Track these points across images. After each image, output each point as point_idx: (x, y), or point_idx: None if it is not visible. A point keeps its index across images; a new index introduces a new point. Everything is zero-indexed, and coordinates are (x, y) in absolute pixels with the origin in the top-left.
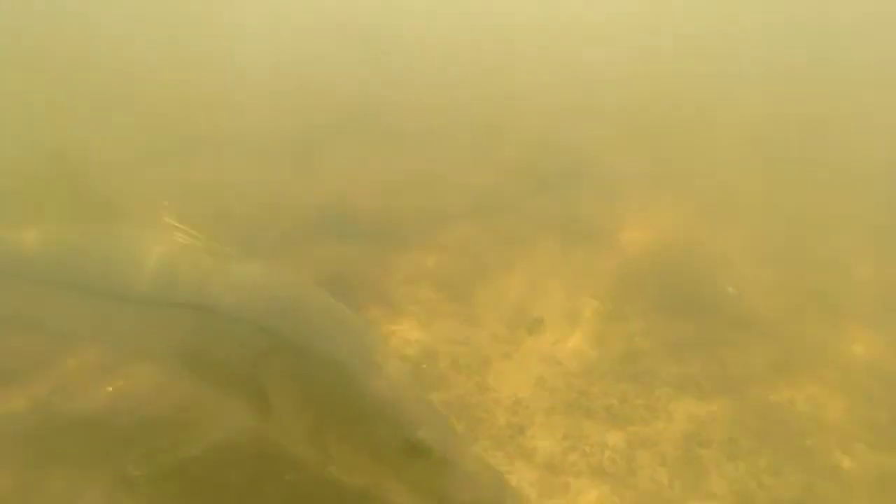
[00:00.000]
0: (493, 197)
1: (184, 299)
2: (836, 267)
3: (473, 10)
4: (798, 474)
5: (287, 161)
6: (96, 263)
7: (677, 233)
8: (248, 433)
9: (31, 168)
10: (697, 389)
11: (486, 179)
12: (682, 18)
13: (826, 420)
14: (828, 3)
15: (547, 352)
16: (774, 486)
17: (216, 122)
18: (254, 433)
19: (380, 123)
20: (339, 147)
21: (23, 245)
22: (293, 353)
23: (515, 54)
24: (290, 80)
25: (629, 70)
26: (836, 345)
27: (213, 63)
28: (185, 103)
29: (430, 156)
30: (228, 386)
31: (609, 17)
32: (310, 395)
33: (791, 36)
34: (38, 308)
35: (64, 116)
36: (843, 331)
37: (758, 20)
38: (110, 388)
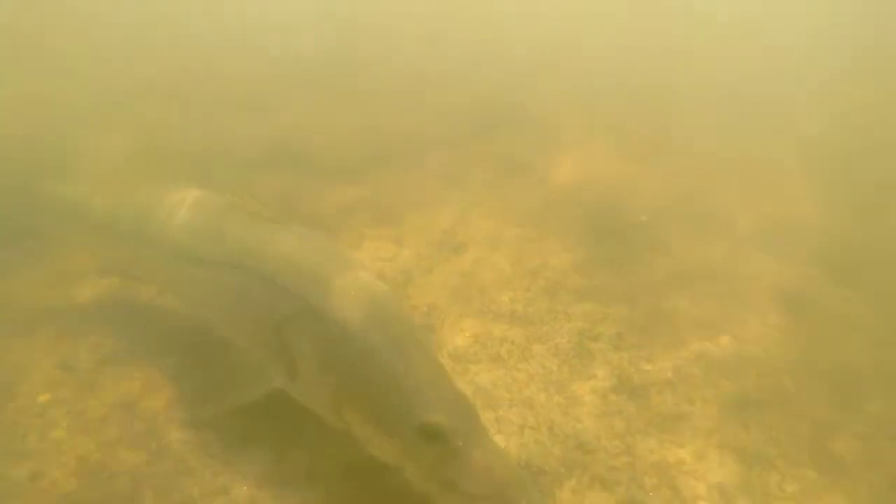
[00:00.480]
0: (434, 140)
1: (221, 258)
2: (729, 200)
3: None
4: (671, 361)
5: (248, 108)
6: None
7: (601, 171)
8: (276, 392)
9: None
10: (597, 297)
11: (430, 125)
12: None
13: (704, 319)
14: None
15: (466, 268)
16: (650, 370)
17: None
18: (281, 393)
19: (337, 80)
20: (295, 98)
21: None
22: (319, 320)
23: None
24: (261, 39)
25: (597, 34)
26: (725, 263)
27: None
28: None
29: (382, 107)
30: (260, 345)
31: None
32: (332, 363)
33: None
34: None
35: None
36: (734, 252)
37: None
38: None
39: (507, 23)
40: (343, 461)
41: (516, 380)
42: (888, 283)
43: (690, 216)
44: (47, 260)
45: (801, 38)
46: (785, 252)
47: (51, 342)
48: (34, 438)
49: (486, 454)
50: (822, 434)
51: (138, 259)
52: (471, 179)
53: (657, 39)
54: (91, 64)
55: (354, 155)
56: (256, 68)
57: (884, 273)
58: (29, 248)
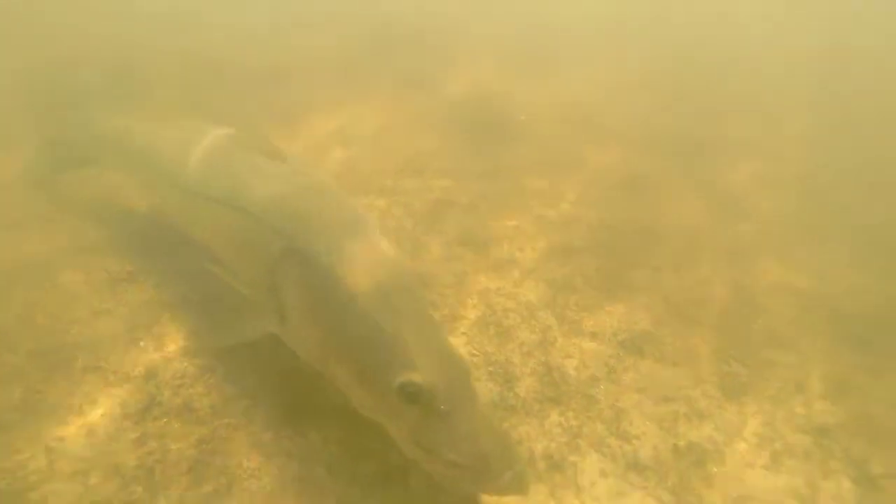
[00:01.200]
0: (339, 59)
1: (222, 195)
2: (601, 106)
3: None
4: (514, 221)
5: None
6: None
7: (492, 85)
8: (266, 334)
9: None
10: (463, 175)
11: (338, 49)
12: None
13: (555, 192)
14: None
15: (347, 159)
16: (493, 227)
17: None
18: (271, 336)
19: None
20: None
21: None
22: (307, 264)
23: None
24: None
25: None
26: (585, 155)
27: None
28: None
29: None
30: (256, 286)
31: None
32: (317, 312)
33: None
34: None
35: None
36: (595, 147)
37: None
38: None
39: None
40: (329, 408)
41: None
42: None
43: (563, 118)
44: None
45: None
46: (617, 144)
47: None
48: None
49: (471, 420)
50: (623, 270)
51: (162, 191)
52: (370, 89)
53: None
54: None
55: (270, 69)
56: None
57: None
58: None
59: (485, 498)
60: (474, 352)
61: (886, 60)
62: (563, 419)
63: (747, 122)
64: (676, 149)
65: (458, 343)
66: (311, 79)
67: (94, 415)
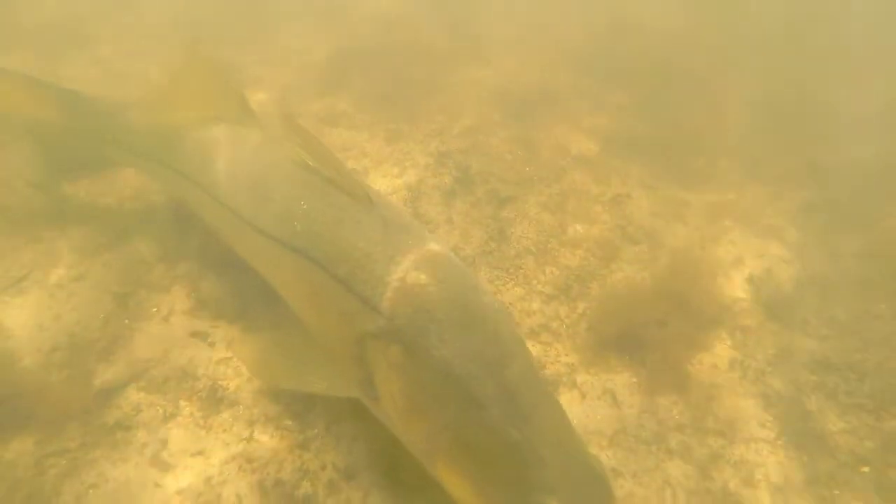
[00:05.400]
0: None
1: (299, 245)
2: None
3: None
4: (425, 124)
5: None
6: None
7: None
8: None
9: None
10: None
11: None
12: None
13: (456, 106)
14: None
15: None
16: (390, 119)
17: None
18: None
19: None
20: None
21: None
22: (412, 352)
23: None
24: None
25: None
26: (470, 73)
27: None
28: None
29: None
30: (333, 347)
31: None
32: (425, 406)
33: None
34: None
35: None
36: (482, 64)
37: None
38: None
39: None
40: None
41: None
42: None
43: (458, 36)
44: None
45: None
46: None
47: None
48: None
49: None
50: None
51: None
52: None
53: None
54: None
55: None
56: None
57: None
58: None
59: None
60: None
61: None
62: None
63: None
64: None
65: None
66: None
67: None
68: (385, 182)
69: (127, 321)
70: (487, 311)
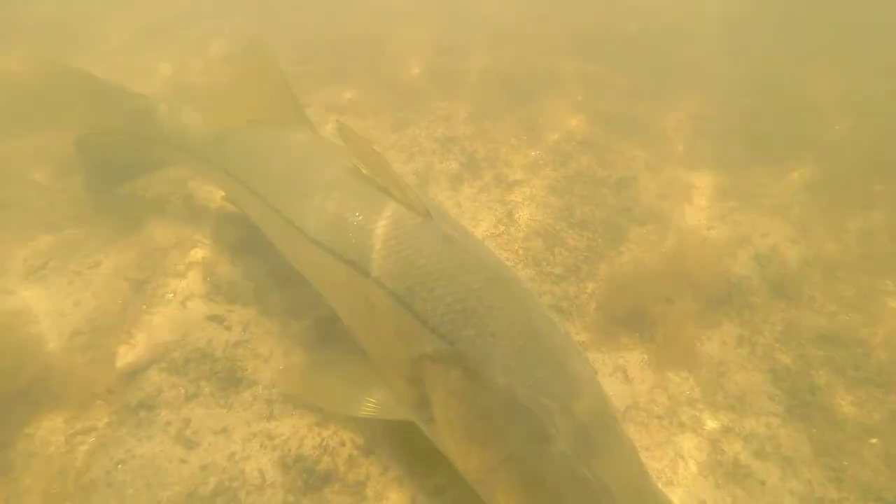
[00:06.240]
0: None
1: (353, 258)
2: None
3: None
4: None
5: None
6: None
7: None
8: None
9: None
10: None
11: None
12: None
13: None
14: None
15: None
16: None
17: None
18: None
19: None
20: None
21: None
22: (478, 383)
23: None
24: None
25: None
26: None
27: None
28: None
29: None
30: (391, 366)
31: None
32: (488, 438)
33: None
34: None
35: None
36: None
37: None
38: None
39: None
40: None
41: None
42: None
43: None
44: None
45: None
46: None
47: None
48: None
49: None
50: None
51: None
52: None
53: None
54: None
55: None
56: None
57: None
58: None
59: None
60: None
61: None
62: None
63: None
64: None
65: None
66: None
67: None
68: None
69: (144, 306)
70: (554, 338)
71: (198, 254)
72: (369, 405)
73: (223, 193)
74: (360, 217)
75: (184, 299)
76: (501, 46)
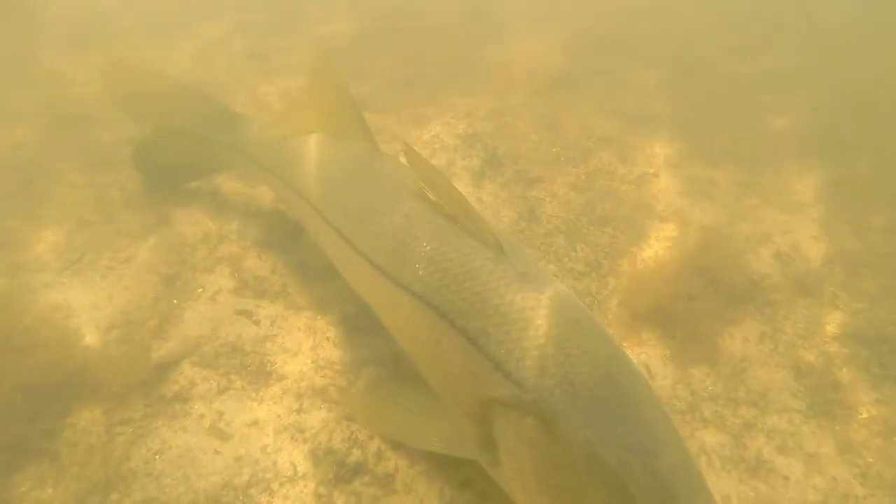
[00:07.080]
0: None
1: (418, 290)
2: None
3: None
4: (452, 107)
5: None
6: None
7: None
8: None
9: None
10: None
11: None
12: None
13: (481, 89)
14: None
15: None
16: (417, 102)
17: None
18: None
19: None
20: None
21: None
22: (553, 432)
23: None
24: None
25: None
26: (493, 57)
27: None
28: None
29: None
30: (456, 402)
31: None
32: (564, 496)
33: None
34: None
35: None
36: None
37: None
38: None
39: None
40: None
41: None
42: None
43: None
44: None
45: None
46: None
47: None
48: None
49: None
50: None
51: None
52: None
53: None
54: None
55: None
56: None
57: None
58: None
59: None
60: None
61: None
62: None
63: None
64: None
65: None
66: None
67: None
68: None
69: (175, 301)
70: (637, 388)
71: (225, 249)
72: (433, 441)
73: (259, 191)
74: (428, 248)
75: (213, 294)
76: (522, 40)
